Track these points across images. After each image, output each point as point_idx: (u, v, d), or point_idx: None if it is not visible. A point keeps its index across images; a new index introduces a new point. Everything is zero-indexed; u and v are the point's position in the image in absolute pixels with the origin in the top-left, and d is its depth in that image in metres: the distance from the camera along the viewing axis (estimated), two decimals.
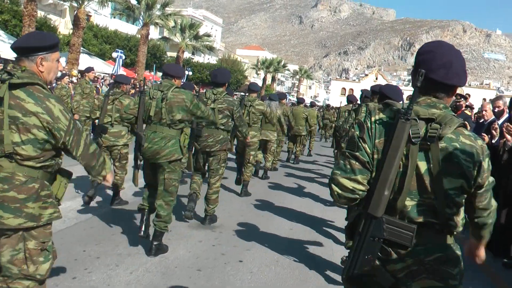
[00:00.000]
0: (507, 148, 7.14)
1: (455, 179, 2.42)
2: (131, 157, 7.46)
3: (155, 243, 6.20)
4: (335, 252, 7.00)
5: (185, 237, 7.13)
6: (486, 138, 7.80)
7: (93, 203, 8.35)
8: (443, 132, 2.39)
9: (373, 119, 2.54)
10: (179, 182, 6.47)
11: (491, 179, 2.59)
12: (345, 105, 11.67)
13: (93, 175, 3.75)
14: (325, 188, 12.58)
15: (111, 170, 4.08)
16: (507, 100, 8.77)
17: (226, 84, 7.81)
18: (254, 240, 7.27)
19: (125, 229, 7.17)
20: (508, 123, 6.98)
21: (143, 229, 6.35)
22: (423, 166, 2.42)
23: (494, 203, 2.68)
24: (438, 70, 2.45)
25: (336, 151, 12.24)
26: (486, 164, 2.50)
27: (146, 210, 6.42)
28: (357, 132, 2.54)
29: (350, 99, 11.69)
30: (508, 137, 6.96)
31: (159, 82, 7.00)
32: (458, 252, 2.54)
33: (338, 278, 5.86)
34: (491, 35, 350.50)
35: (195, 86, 17.43)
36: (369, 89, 8.18)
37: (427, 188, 2.42)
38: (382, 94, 5.94)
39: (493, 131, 7.75)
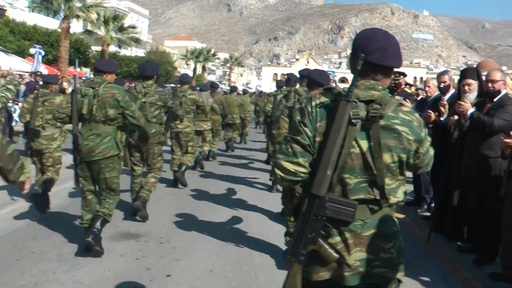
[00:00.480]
0: (464, 128, 6.54)
1: (396, 153, 2.52)
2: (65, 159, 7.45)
3: (95, 228, 5.96)
4: (275, 247, 6.45)
5: (104, 252, 6.13)
6: (433, 115, 7.35)
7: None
8: (384, 112, 2.47)
9: (313, 103, 2.58)
10: (119, 178, 6.33)
11: (428, 142, 2.68)
12: (275, 90, 11.41)
13: (11, 180, 3.38)
14: (261, 173, 12.55)
15: (30, 177, 3.56)
16: (452, 75, 8.33)
17: (155, 77, 7.80)
18: (184, 247, 6.45)
19: (34, 252, 6.11)
20: (459, 101, 6.36)
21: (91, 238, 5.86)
22: (364, 144, 2.50)
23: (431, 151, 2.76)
24: (374, 53, 2.53)
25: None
26: (423, 133, 2.62)
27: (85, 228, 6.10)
28: (298, 117, 2.59)
29: (280, 84, 11.75)
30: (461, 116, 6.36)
31: (90, 79, 6.80)
32: (395, 228, 2.62)
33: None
34: (418, 16, 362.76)
35: (127, 82, 17.08)
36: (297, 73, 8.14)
37: (370, 165, 2.50)
38: (310, 79, 5.97)
39: (441, 108, 7.29)
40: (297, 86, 8.40)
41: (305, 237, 2.47)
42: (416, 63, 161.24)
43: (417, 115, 2.64)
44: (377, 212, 2.55)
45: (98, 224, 5.94)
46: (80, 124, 6.14)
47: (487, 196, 6.16)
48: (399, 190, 2.59)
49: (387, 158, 2.51)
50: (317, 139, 2.52)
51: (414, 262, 6.10)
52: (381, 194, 2.52)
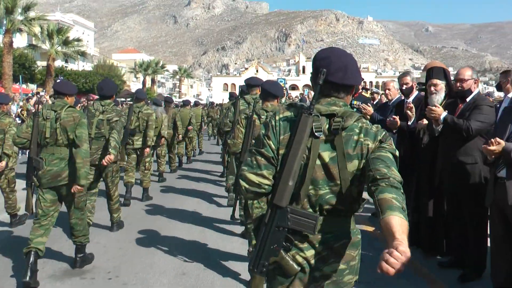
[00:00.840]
0: (436, 134, 6.06)
1: (358, 160, 2.55)
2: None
3: (79, 255, 6.18)
4: (238, 274, 5.81)
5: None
6: (398, 120, 6.88)
7: None
8: (345, 124, 2.54)
9: (277, 117, 2.68)
10: (85, 195, 6.35)
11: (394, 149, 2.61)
12: (228, 101, 11.19)
13: None
14: (216, 187, 12.34)
15: None
16: (414, 75, 7.89)
17: (114, 96, 7.88)
18: (136, 283, 5.69)
19: None
20: (429, 106, 5.87)
21: (28, 273, 5.44)
22: (327, 156, 2.54)
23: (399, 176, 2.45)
24: (336, 73, 2.58)
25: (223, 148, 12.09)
26: (381, 136, 2.60)
27: (33, 252, 5.60)
28: (263, 131, 2.66)
29: (233, 95, 11.93)
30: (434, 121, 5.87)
31: (51, 102, 6.82)
32: (359, 236, 2.73)
33: None
34: (363, 22, 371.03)
35: (83, 100, 16.68)
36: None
37: (333, 176, 2.53)
38: (264, 90, 5.99)
39: (408, 112, 6.81)
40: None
41: (267, 248, 2.48)
42: (364, 68, 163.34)
43: (375, 126, 2.66)
44: (344, 222, 2.64)
45: (80, 251, 6.17)
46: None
47: (466, 205, 5.71)
48: (360, 199, 2.65)
49: (350, 167, 2.54)
50: (281, 151, 2.57)
51: (392, 282, 5.50)
52: (346, 203, 2.57)
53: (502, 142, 4.54)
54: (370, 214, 8.77)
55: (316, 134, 2.50)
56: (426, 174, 6.42)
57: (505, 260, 4.91)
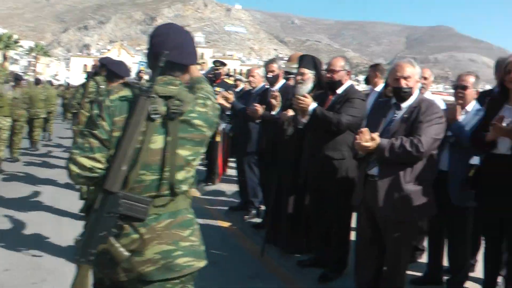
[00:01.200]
0: (301, 127, 5.65)
1: (194, 146, 2.55)
2: None
3: None
4: None
5: None
6: (260, 109, 6.62)
7: None
8: (184, 108, 2.49)
9: (112, 97, 2.52)
10: None
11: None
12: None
13: None
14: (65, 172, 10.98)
15: None
16: (281, 63, 7.64)
17: None
18: None
19: None
20: (297, 95, 5.48)
21: None
22: (162, 140, 2.47)
23: None
24: (172, 51, 2.54)
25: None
26: (216, 119, 2.69)
27: None
28: (96, 111, 2.49)
29: (90, 75, 10.86)
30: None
31: None
32: (190, 216, 2.65)
33: None
34: (231, 9, 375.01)
35: None
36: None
37: (166, 161, 2.47)
38: (109, 71, 5.95)
39: (273, 100, 6.44)
40: None
41: (96, 236, 2.37)
42: (229, 55, 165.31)
43: (209, 101, 2.65)
44: (169, 203, 2.53)
45: None
46: None
47: (331, 202, 5.40)
48: (191, 180, 2.61)
49: (185, 152, 2.51)
50: (115, 134, 2.44)
51: (248, 284, 5.19)
52: (171, 189, 2.50)
53: (378, 139, 4.19)
54: (227, 208, 8.36)
55: (152, 117, 2.43)
56: (289, 168, 6.05)
57: (371, 262, 4.62)
